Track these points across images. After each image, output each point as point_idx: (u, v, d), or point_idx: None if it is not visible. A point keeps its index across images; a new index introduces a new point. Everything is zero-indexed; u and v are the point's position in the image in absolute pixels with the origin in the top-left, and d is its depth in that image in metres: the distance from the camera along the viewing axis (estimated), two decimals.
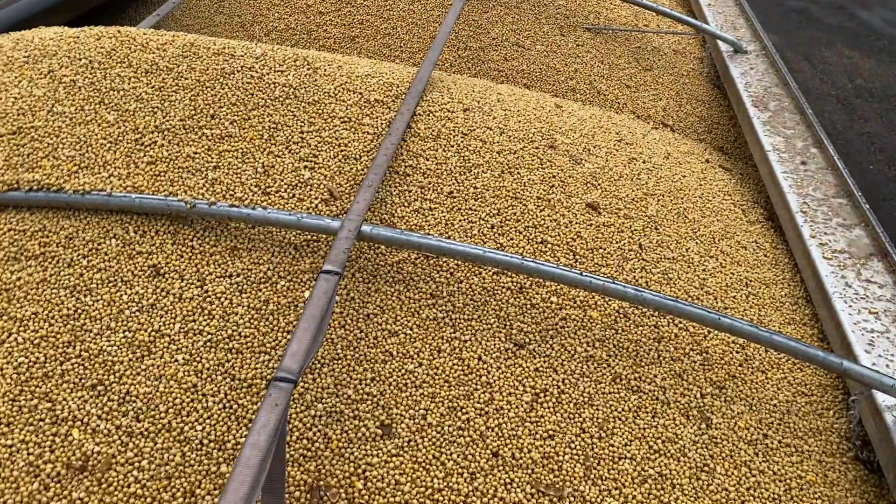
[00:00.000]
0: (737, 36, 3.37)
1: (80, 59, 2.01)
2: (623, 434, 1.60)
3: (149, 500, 1.38)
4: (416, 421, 1.53)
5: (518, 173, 2.11)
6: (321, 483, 1.43)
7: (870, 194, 2.39)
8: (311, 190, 1.87)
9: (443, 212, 1.93)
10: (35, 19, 2.58)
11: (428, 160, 2.05)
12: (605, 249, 1.97)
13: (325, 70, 2.18)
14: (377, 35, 3.11)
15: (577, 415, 1.61)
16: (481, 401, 1.59)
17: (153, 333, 1.57)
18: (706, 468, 1.59)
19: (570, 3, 3.41)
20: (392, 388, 1.57)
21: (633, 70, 3.23)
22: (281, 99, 2.04)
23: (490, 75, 3.09)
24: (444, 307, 1.73)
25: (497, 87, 2.63)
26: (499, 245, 1.89)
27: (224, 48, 2.13)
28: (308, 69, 2.16)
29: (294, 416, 1.50)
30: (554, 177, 2.14)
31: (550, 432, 1.56)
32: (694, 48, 3.49)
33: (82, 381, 1.49)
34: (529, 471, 1.50)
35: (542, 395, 1.62)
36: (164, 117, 1.92)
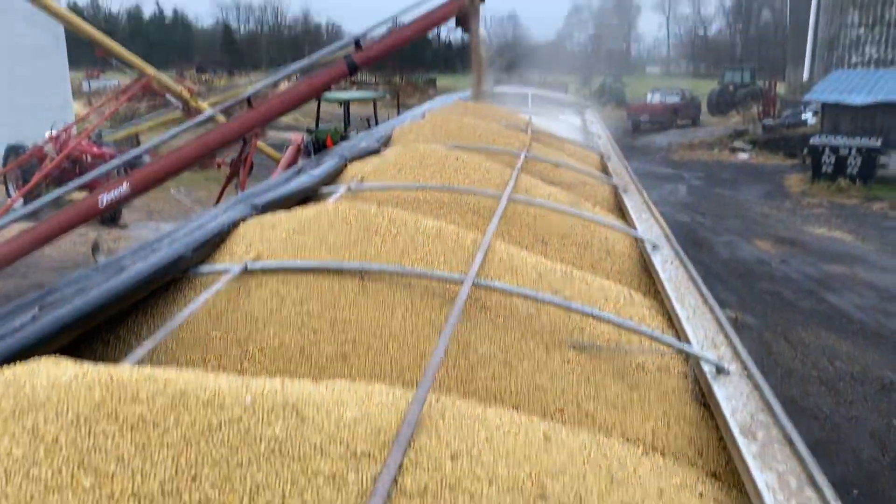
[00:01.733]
0: (718, 355, 3.48)
1: (67, 414, 2.01)
2: None
3: None
4: None
5: None
6: None
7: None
8: None
9: None
10: (43, 344, 2.64)
11: None
12: None
13: (313, 419, 2.18)
14: (369, 353, 3.19)
15: None
16: None
17: None
18: None
19: (555, 319, 3.55)
20: None
21: (620, 389, 3.27)
22: (265, 455, 2.02)
23: (479, 394, 3.11)
24: None
25: (486, 416, 2.63)
26: None
27: (213, 397, 2.15)
28: (296, 419, 2.16)
29: None
30: None
31: None
32: (677, 363, 3.57)
33: None
34: None
35: None
36: (142, 480, 1.87)
